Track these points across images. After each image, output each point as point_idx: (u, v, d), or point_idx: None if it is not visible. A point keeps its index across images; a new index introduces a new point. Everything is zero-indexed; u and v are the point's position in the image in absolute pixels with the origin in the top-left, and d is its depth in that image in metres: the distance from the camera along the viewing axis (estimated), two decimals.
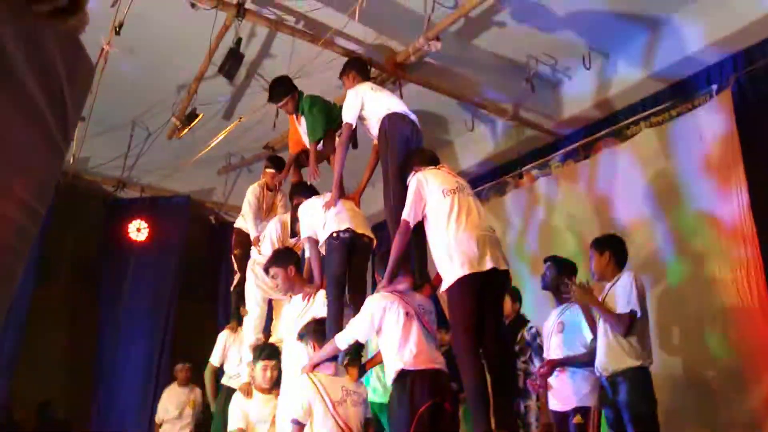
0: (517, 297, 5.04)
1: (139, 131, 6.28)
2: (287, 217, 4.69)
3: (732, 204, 4.81)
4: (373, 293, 3.55)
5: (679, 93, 5.48)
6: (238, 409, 4.18)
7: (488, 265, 3.13)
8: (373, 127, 4.04)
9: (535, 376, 4.40)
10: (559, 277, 4.24)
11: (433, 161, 3.65)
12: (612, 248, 3.91)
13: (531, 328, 4.72)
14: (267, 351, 4.25)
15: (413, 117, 4.02)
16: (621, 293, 3.65)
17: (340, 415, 3.44)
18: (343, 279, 3.79)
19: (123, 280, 6.88)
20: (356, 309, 3.69)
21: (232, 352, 4.86)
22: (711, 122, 5.04)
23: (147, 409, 6.57)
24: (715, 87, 5.21)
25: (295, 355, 3.86)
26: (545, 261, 4.39)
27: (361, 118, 4.10)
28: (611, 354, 3.63)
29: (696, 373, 4.84)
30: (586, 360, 3.95)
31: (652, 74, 5.43)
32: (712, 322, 4.82)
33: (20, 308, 6.18)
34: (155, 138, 6.18)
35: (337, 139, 4.40)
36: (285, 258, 4.14)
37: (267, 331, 4.59)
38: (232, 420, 4.15)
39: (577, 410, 3.87)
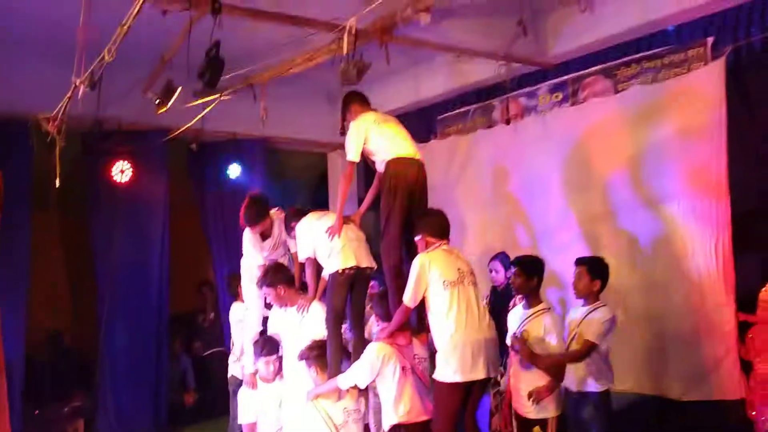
0: (509, 265, 5.17)
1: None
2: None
3: (710, 175, 4.92)
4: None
5: (673, 40, 5.32)
6: (247, 402, 4.55)
7: (480, 375, 3.46)
8: (378, 164, 4.07)
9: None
10: (529, 281, 4.06)
11: (442, 233, 3.78)
12: (603, 277, 3.96)
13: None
14: (267, 347, 4.47)
15: (419, 157, 4.04)
16: (597, 326, 3.82)
17: None
18: (344, 312, 4.00)
19: (112, 214, 6.88)
20: (356, 335, 3.97)
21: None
22: (702, 85, 4.98)
23: (151, 337, 7.05)
24: (710, 40, 5.08)
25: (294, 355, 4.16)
26: (512, 264, 4.29)
27: (365, 152, 4.06)
28: (577, 374, 3.88)
29: (655, 326, 5.19)
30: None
31: (648, 20, 5.22)
32: (678, 281, 5.12)
33: (23, 236, 6.17)
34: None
35: None
36: (274, 278, 4.27)
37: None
38: (242, 415, 4.55)
39: (537, 421, 4.00)
